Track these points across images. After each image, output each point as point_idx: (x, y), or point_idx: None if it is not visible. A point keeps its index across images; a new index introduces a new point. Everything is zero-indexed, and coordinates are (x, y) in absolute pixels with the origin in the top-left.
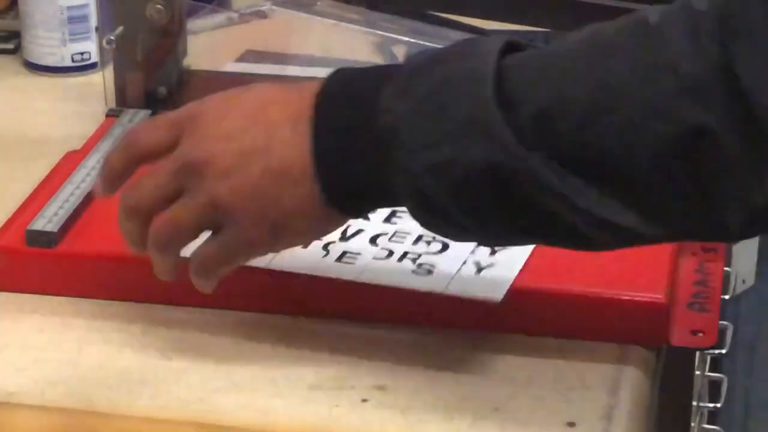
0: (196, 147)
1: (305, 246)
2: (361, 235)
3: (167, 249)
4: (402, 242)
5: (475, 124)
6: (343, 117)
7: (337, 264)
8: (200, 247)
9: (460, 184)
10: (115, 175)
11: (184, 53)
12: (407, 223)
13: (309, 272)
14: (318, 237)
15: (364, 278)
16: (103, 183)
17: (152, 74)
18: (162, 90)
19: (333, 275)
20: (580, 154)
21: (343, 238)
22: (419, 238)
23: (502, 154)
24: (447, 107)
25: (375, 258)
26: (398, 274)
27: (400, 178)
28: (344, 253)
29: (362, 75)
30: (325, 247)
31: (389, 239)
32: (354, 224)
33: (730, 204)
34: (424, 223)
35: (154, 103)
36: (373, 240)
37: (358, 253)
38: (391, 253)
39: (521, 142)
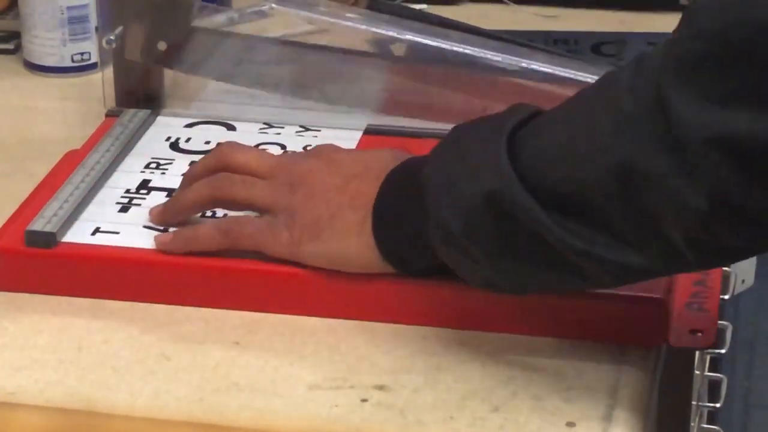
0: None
1: None
2: None
3: (217, 193)
4: None
5: (486, 162)
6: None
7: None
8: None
9: (470, 214)
10: (192, 177)
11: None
12: None
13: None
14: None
15: None
16: (182, 183)
17: (154, 29)
18: (162, 45)
19: None
20: (551, 187)
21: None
22: None
23: (500, 182)
24: (467, 154)
25: None
26: None
27: (430, 222)
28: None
29: (417, 162)
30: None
31: None
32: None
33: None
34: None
35: (153, 100)
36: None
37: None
38: None
39: (516, 171)
